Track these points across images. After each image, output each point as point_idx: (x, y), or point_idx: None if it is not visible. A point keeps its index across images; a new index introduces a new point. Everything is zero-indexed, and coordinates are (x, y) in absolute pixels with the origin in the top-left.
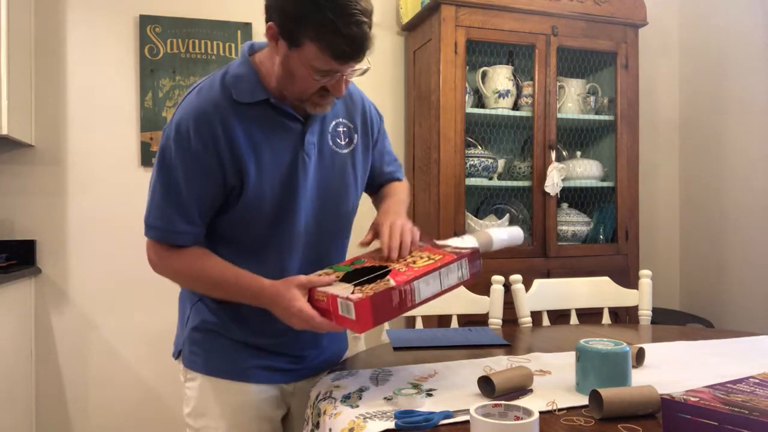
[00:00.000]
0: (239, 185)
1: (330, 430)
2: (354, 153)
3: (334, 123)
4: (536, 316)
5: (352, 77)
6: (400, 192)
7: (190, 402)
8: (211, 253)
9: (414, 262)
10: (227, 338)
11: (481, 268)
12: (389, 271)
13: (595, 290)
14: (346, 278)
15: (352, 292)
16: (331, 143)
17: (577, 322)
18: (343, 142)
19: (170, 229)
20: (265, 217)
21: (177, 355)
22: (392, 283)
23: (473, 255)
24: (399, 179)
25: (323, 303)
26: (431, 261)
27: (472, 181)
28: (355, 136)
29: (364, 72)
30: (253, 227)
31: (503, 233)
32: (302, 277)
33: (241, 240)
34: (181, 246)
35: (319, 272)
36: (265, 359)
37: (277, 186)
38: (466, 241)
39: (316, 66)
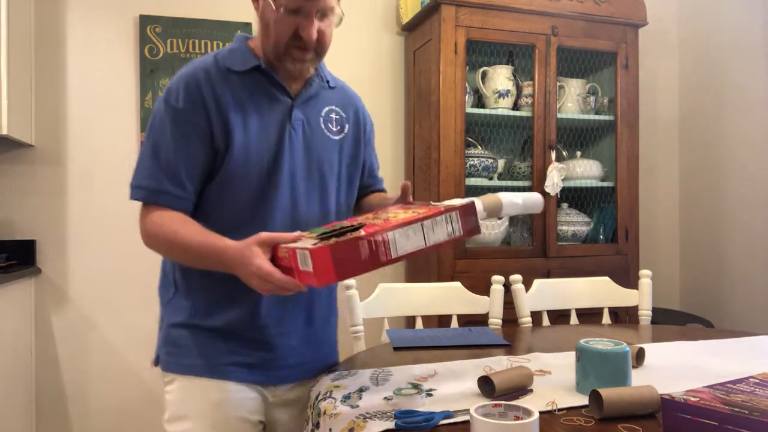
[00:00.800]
0: (225, 147)
1: (330, 430)
2: (344, 142)
3: (327, 109)
4: (536, 316)
5: (327, 26)
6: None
7: (169, 407)
8: (191, 220)
9: (395, 216)
10: (202, 330)
11: (478, 226)
12: (363, 225)
13: (595, 290)
14: (320, 238)
15: (314, 245)
16: (322, 126)
17: (577, 322)
18: (334, 129)
19: (157, 188)
20: (249, 189)
21: (156, 361)
22: (360, 233)
23: (466, 209)
24: (385, 191)
25: (285, 261)
26: (413, 214)
27: (472, 181)
28: (347, 126)
29: (339, 23)
30: (237, 199)
31: (516, 197)
32: (264, 234)
33: (221, 218)
34: (166, 208)
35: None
36: (241, 355)
37: (264, 153)
38: (466, 201)
39: (284, 2)
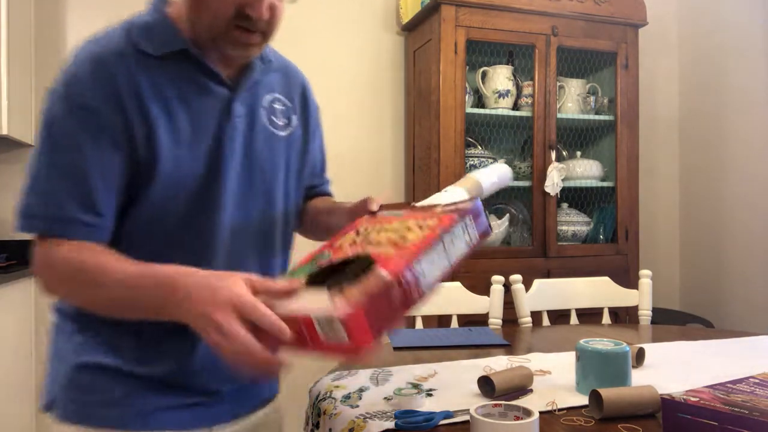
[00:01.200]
0: (149, 157)
1: (330, 430)
2: (291, 139)
3: (269, 98)
4: (536, 316)
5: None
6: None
7: None
8: (115, 253)
9: (403, 238)
10: (123, 375)
11: (489, 226)
12: (371, 259)
13: (595, 290)
14: (313, 281)
15: (332, 300)
16: (265, 121)
17: (577, 322)
18: (279, 122)
19: (61, 216)
20: (179, 210)
21: (49, 405)
22: (384, 274)
23: (476, 210)
24: (332, 195)
25: (292, 330)
26: (426, 230)
27: None
28: (294, 117)
29: None
30: (164, 224)
31: (491, 175)
32: (253, 277)
33: (140, 248)
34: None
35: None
36: (169, 399)
37: (198, 163)
38: (454, 194)
39: None
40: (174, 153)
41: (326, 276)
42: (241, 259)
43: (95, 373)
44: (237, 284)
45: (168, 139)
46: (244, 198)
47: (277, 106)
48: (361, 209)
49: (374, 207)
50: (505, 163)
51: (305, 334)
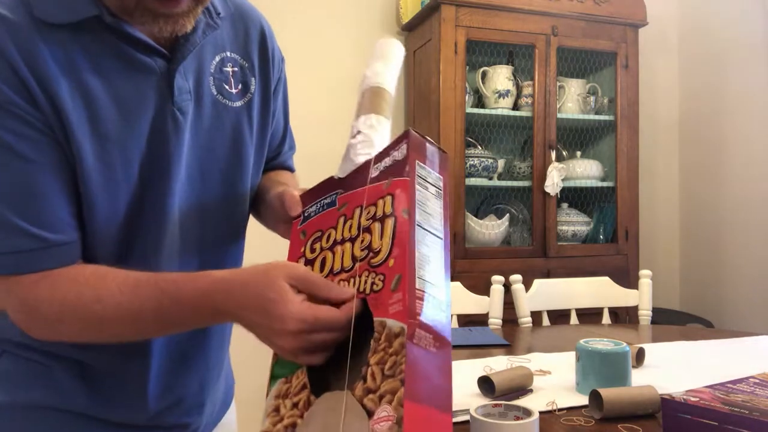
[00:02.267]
0: (74, 158)
1: None
2: (250, 107)
3: (218, 59)
4: (536, 316)
5: None
6: (294, 185)
7: None
8: (106, 268)
9: (369, 248)
10: (65, 412)
11: (439, 149)
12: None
13: (595, 290)
14: (317, 380)
15: (368, 410)
16: (214, 91)
17: (577, 322)
18: (233, 90)
19: (24, 246)
20: (116, 219)
21: None
22: (396, 325)
23: (416, 145)
24: (292, 169)
25: None
26: (389, 222)
27: (472, 181)
28: (252, 80)
29: None
30: (99, 236)
31: (387, 66)
32: (297, 267)
33: (95, 246)
34: (50, 269)
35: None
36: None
37: (133, 161)
38: (374, 132)
39: None
40: (100, 150)
41: (327, 366)
42: (199, 257)
43: (27, 410)
44: (290, 300)
45: (88, 132)
46: (202, 185)
47: (228, 68)
48: (279, 209)
49: (296, 211)
50: (505, 163)
51: None
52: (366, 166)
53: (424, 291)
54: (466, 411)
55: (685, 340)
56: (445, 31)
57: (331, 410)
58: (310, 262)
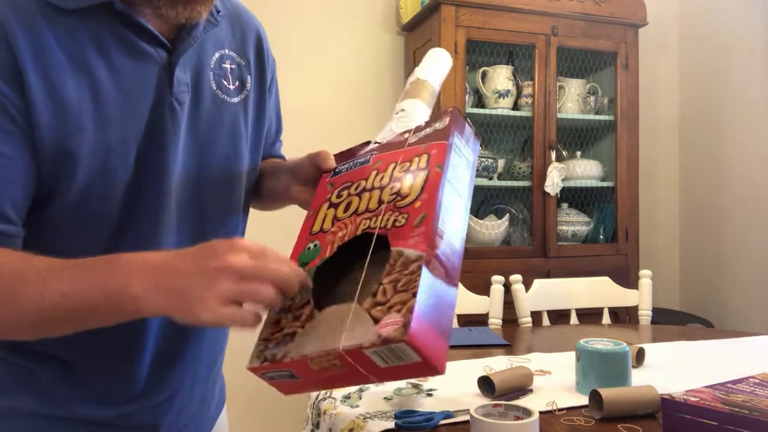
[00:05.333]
0: (63, 148)
1: (330, 430)
2: (246, 103)
3: (217, 56)
4: (536, 316)
5: None
6: None
7: None
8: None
9: (398, 193)
10: (52, 419)
11: (474, 131)
12: (379, 237)
13: (595, 290)
14: (319, 288)
15: (371, 318)
16: (214, 86)
17: (577, 322)
18: (231, 87)
19: None
20: (111, 213)
21: None
22: (414, 254)
23: (455, 119)
24: (284, 158)
25: (335, 368)
26: (420, 174)
27: None
28: (248, 78)
29: None
30: (90, 232)
31: (435, 68)
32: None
33: (68, 250)
34: None
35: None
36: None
37: (130, 152)
38: (414, 112)
39: None
40: (101, 141)
41: (328, 276)
42: (195, 241)
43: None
44: (229, 242)
45: (89, 122)
46: (198, 180)
47: (226, 65)
48: (307, 168)
49: (329, 164)
50: (505, 163)
51: (357, 369)
52: (403, 136)
53: (444, 233)
54: (466, 411)
55: (685, 340)
56: (445, 31)
57: (335, 319)
58: (333, 206)
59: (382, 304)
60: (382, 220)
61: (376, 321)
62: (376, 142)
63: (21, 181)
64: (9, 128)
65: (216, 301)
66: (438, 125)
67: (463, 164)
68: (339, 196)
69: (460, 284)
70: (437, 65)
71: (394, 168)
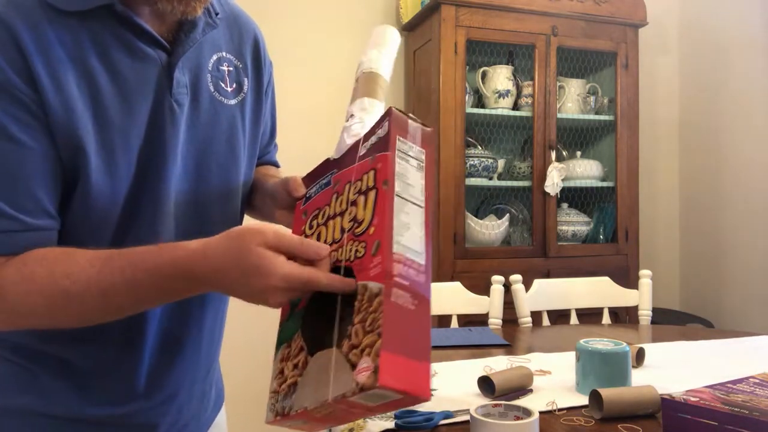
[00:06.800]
0: (71, 147)
1: (330, 430)
2: (243, 106)
3: (215, 58)
4: (536, 316)
5: None
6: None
7: None
8: (75, 249)
9: (355, 219)
10: (53, 418)
11: (423, 124)
12: (346, 269)
13: (595, 290)
14: (311, 341)
15: (349, 364)
16: (212, 88)
17: (577, 322)
18: (228, 88)
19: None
20: (112, 212)
21: None
22: (375, 286)
23: (397, 123)
24: (277, 165)
25: (336, 412)
26: (371, 194)
27: (472, 181)
28: (245, 80)
29: None
30: (92, 229)
31: (383, 52)
32: (266, 229)
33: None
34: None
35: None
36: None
37: (135, 148)
38: (366, 113)
39: None
40: (104, 142)
41: (315, 314)
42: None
43: (11, 415)
44: (273, 263)
45: (90, 119)
46: (196, 180)
47: (224, 68)
48: (283, 194)
49: (299, 192)
50: (505, 163)
51: (349, 411)
52: (356, 145)
53: (402, 255)
54: (466, 411)
55: (685, 340)
56: (445, 31)
57: (323, 367)
58: (308, 238)
59: (356, 347)
60: (345, 252)
61: (353, 366)
62: (333, 159)
63: (53, 173)
64: (32, 123)
65: (275, 305)
66: (380, 132)
67: (413, 168)
68: (311, 227)
69: (459, 284)
70: (386, 49)
71: (349, 189)
